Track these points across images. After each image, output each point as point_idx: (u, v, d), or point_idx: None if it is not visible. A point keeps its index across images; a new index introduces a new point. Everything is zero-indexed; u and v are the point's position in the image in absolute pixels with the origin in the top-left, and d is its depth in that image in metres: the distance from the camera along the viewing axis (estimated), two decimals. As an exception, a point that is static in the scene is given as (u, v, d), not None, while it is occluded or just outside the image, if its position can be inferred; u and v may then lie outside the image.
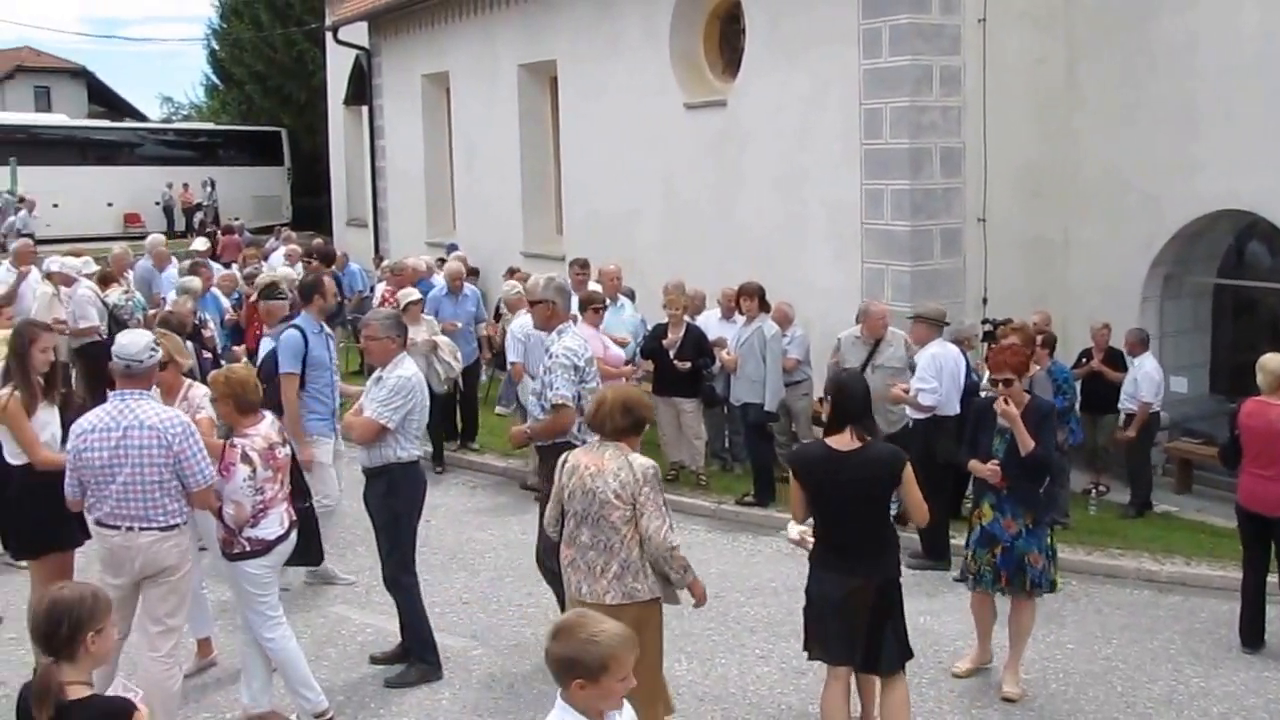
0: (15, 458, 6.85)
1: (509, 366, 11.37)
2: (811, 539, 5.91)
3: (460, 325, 12.65)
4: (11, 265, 13.65)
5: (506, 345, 11.44)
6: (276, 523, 6.28)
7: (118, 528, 5.81)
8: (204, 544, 7.00)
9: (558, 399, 6.95)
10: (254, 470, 6.07)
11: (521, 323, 11.48)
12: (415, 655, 7.17)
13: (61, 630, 3.58)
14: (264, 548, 6.22)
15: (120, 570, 5.91)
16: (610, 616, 5.32)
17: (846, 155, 12.56)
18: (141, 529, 5.79)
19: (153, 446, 5.74)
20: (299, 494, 6.63)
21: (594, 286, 11.91)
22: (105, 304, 12.46)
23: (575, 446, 7.19)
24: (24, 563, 7.59)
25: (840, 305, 11.96)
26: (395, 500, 7.01)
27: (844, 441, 5.79)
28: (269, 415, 6.43)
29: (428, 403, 7.29)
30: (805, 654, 6.09)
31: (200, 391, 7.14)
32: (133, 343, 5.97)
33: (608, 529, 5.55)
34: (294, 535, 6.44)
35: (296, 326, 8.64)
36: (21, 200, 31.05)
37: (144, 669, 5.99)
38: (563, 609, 6.12)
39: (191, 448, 5.84)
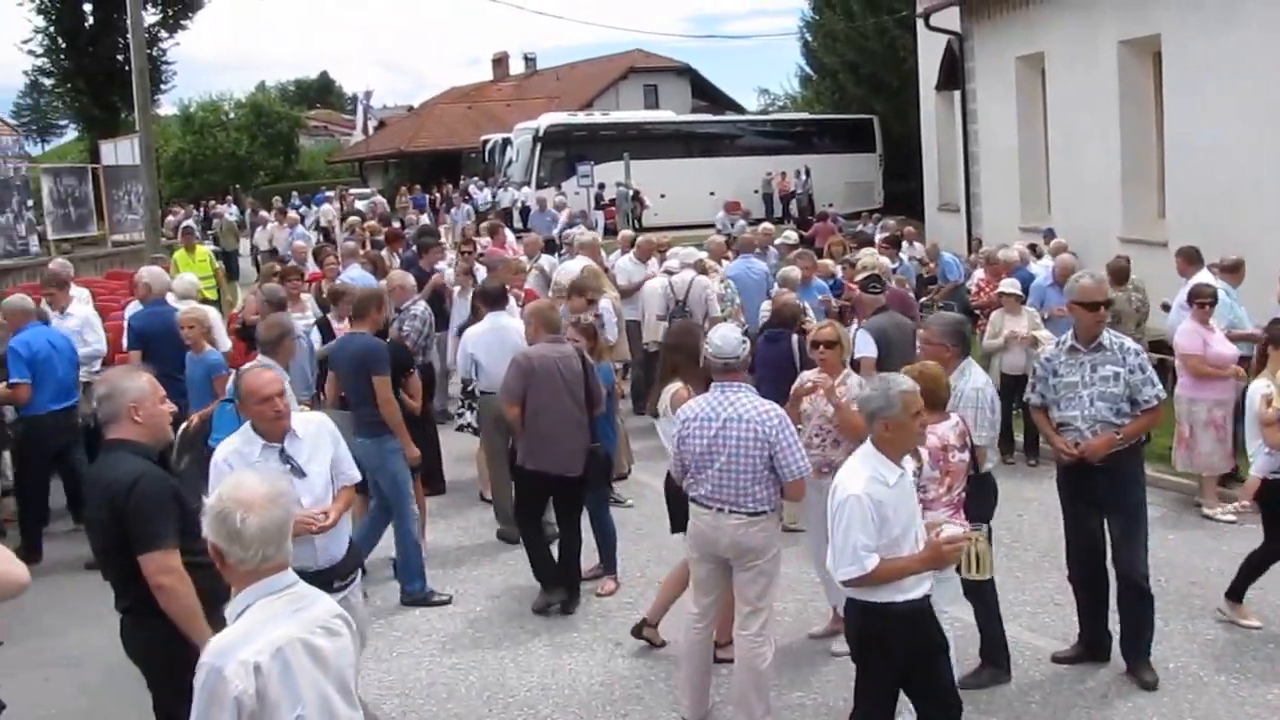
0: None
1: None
2: None
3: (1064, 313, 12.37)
4: (635, 258, 14.99)
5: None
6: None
7: (709, 508, 6.19)
8: None
9: (1163, 395, 6.90)
10: (920, 466, 5.92)
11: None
12: (988, 657, 7.04)
13: None
14: None
15: (705, 547, 6.30)
16: None
17: None
18: (731, 511, 6.12)
19: (749, 439, 6.03)
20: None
21: (1205, 278, 11.29)
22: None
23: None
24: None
25: None
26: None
27: None
28: (954, 417, 6.36)
29: None
30: None
31: (856, 380, 7.35)
32: (726, 341, 6.26)
33: None
34: None
35: None
36: (636, 194, 33.88)
37: (736, 645, 6.36)
38: None
39: (786, 439, 6.05)
